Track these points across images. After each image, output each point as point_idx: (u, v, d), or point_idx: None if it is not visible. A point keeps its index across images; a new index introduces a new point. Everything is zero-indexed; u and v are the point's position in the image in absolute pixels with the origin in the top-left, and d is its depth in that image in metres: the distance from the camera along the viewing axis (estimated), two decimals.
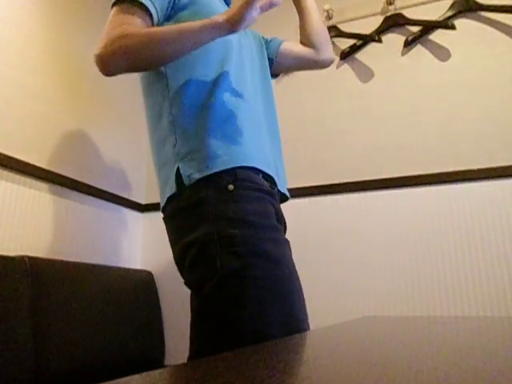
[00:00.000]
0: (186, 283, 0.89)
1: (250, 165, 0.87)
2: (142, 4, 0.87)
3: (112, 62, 0.82)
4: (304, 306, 0.88)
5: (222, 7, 1.01)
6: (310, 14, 1.23)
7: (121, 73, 0.86)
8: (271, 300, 0.80)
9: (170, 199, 0.89)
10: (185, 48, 0.85)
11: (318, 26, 1.24)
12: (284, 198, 1.05)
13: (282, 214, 1.00)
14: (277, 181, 0.96)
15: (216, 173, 0.84)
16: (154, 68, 0.92)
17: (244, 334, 0.78)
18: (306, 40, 1.25)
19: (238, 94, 0.93)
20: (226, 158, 0.85)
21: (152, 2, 0.88)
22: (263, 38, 1.22)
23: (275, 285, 0.81)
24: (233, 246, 0.81)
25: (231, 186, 0.84)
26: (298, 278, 0.89)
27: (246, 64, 1.01)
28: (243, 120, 0.91)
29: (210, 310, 0.82)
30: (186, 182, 0.85)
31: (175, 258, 0.90)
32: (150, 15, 0.88)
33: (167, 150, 0.90)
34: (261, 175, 0.91)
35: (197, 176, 0.84)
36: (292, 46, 1.25)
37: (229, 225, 0.82)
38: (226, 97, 0.91)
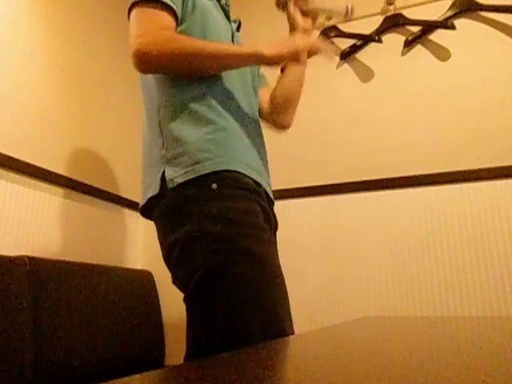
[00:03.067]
0: (173, 282, 0.89)
1: (233, 169, 0.87)
2: (167, 5, 0.88)
3: (158, 61, 0.84)
4: (288, 308, 0.86)
5: (223, 21, 1.01)
6: (295, 71, 1.12)
7: (158, 72, 0.89)
8: (249, 297, 0.79)
9: (155, 201, 0.89)
10: (226, 67, 0.89)
11: (297, 84, 1.12)
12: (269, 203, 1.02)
13: (273, 214, 0.99)
14: (261, 183, 0.95)
15: (199, 176, 0.84)
16: (191, 75, 0.91)
17: (223, 331, 0.78)
18: (278, 92, 1.13)
19: (226, 102, 0.93)
20: (208, 162, 0.85)
21: (174, 3, 0.89)
22: None
23: (255, 282, 0.80)
24: (214, 243, 0.81)
25: (215, 185, 0.84)
26: (282, 280, 0.87)
27: (236, 73, 0.99)
28: (230, 128, 0.91)
29: (194, 309, 0.83)
30: (170, 185, 0.86)
31: (163, 258, 0.90)
32: (175, 16, 0.89)
33: (155, 152, 0.91)
34: (246, 177, 0.90)
35: (179, 180, 0.85)
36: (266, 94, 1.15)
37: (211, 222, 0.82)
38: (215, 104, 0.91)
